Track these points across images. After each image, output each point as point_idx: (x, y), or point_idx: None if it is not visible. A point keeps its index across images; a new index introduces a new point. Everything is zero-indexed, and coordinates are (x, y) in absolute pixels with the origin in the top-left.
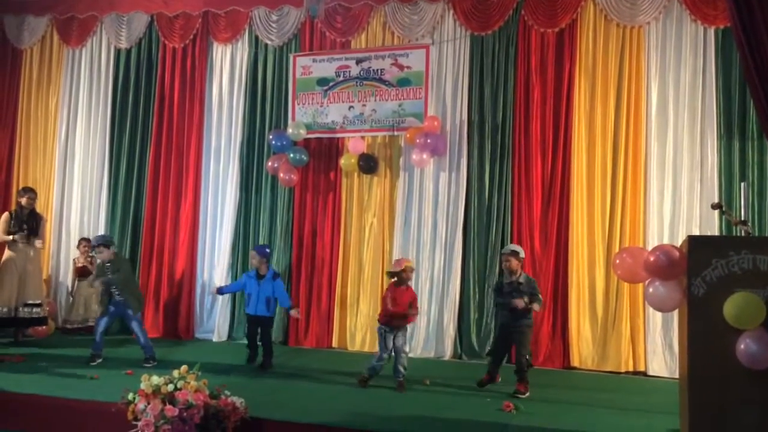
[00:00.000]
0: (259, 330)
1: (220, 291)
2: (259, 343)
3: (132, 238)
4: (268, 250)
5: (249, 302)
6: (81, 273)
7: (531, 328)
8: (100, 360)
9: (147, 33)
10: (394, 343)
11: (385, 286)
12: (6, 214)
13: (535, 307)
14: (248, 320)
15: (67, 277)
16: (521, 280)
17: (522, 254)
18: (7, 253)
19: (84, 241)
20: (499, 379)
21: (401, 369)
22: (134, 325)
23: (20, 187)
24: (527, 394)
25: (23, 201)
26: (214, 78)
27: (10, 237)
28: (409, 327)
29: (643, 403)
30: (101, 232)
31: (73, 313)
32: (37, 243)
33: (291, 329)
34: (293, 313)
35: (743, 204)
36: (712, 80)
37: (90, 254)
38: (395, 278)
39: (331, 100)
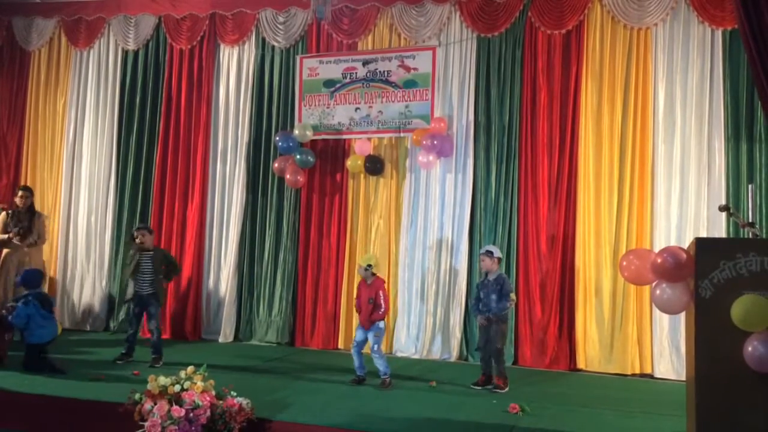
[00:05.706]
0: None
1: None
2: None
3: None
4: (17, 279)
5: None
6: None
7: (504, 323)
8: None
9: (154, 35)
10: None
11: (390, 288)
12: (3, 214)
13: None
14: None
15: (73, 279)
16: (491, 278)
17: (496, 254)
18: (5, 253)
19: None
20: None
21: (378, 368)
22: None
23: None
24: (506, 389)
25: (17, 200)
26: (221, 80)
27: (5, 236)
28: (415, 328)
29: (649, 405)
30: (108, 233)
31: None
32: (30, 239)
33: (297, 331)
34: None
35: (751, 206)
36: (720, 82)
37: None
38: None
39: (337, 101)
